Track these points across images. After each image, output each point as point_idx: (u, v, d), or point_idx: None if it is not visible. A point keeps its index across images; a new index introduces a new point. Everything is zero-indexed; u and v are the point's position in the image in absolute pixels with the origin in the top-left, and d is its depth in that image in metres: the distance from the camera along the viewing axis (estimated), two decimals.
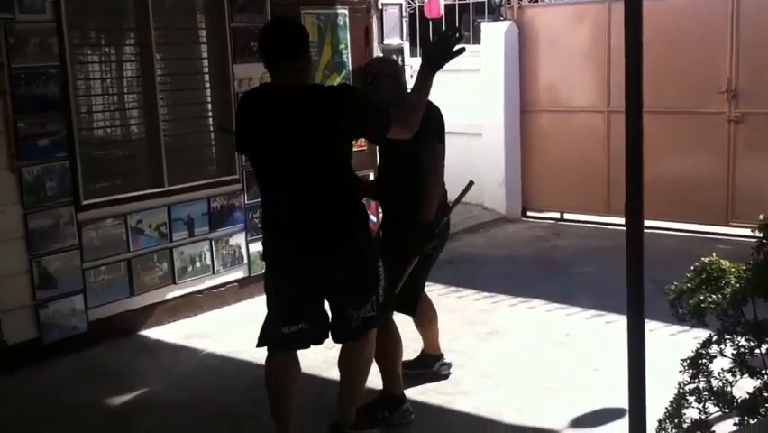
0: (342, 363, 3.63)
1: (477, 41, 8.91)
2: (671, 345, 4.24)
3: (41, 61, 4.88)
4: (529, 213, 8.36)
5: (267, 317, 3.52)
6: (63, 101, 5.00)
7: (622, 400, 3.81)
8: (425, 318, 4.37)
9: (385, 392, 3.96)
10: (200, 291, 5.72)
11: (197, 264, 5.69)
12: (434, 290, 5.88)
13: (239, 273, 5.91)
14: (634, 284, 2.43)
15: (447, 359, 4.46)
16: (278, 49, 3.31)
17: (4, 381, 4.53)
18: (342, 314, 3.48)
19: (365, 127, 3.45)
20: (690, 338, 3.27)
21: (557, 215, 8.22)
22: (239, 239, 5.90)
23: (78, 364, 4.82)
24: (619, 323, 5.01)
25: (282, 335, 3.43)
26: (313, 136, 3.27)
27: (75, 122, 5.10)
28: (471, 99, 8.33)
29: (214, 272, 5.80)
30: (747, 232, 6.89)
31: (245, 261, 5.94)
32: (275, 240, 3.48)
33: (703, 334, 2.83)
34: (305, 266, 3.41)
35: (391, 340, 3.92)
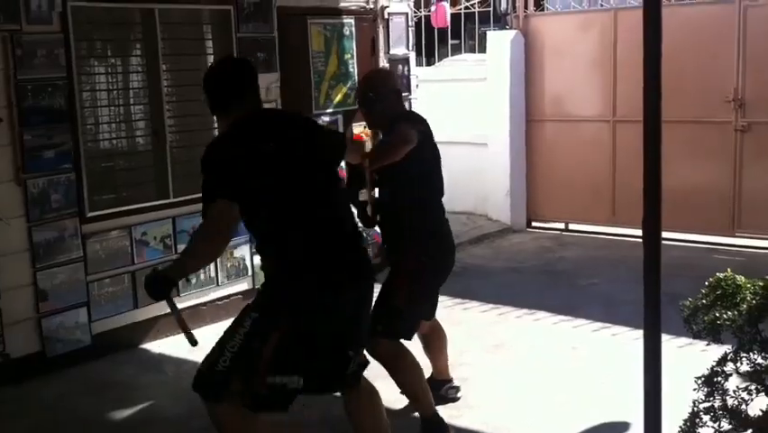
0: (360, 416, 3.34)
1: (482, 49, 8.90)
2: (680, 357, 4.23)
3: (47, 73, 4.90)
4: (534, 223, 8.34)
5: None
6: (69, 113, 5.02)
7: (629, 413, 3.84)
8: (436, 345, 4.29)
9: (425, 420, 3.85)
10: (204, 304, 5.70)
11: (202, 276, 5.67)
12: (439, 302, 5.88)
13: (243, 285, 5.89)
14: (651, 304, 2.40)
15: (455, 381, 4.40)
16: (254, 82, 3.20)
17: (7, 394, 4.53)
18: (345, 355, 3.17)
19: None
20: (698, 351, 3.24)
21: (562, 225, 8.20)
22: (243, 251, 5.88)
23: (83, 378, 4.82)
24: (626, 335, 5.01)
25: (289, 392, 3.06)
26: (320, 151, 3.19)
27: (81, 133, 5.11)
28: (477, 109, 8.31)
29: (218, 284, 5.78)
30: (753, 243, 6.97)
31: (249, 272, 5.92)
32: (320, 270, 3.05)
33: (712, 347, 2.80)
34: (357, 296, 3.14)
35: (408, 367, 3.80)
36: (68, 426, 4.23)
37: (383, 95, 3.88)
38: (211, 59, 5.91)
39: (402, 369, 3.80)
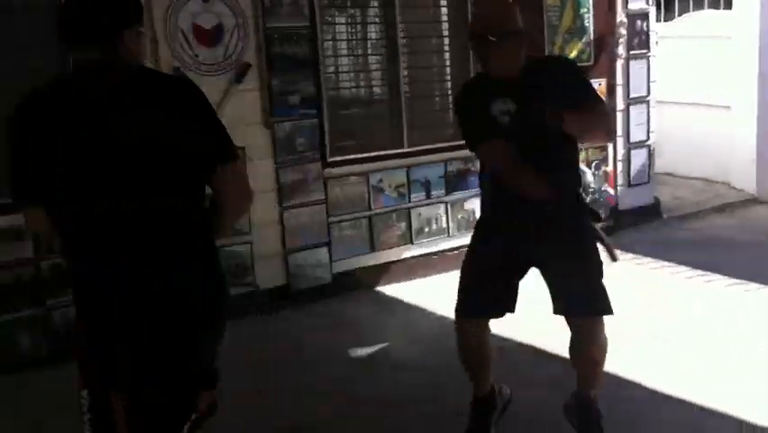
0: None
1: (728, 5, 8.21)
2: None
3: (292, 22, 5.04)
4: None
5: None
6: (313, 61, 5.14)
7: None
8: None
9: (589, 402, 3.26)
10: (435, 253, 5.71)
11: (433, 226, 5.70)
12: (679, 273, 5.51)
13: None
14: None
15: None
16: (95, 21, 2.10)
17: (255, 322, 4.74)
18: None
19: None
20: None
21: None
22: (474, 204, 5.81)
23: (322, 313, 4.98)
24: None
25: None
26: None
27: (323, 81, 5.23)
28: (719, 69, 7.67)
29: (449, 235, 5.76)
30: None
31: None
32: None
33: None
34: None
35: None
36: (309, 354, 4.36)
37: (508, 37, 2.89)
38: (444, 11, 5.86)
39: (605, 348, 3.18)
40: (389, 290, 5.42)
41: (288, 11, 5.03)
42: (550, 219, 2.98)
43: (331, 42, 5.47)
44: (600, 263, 3.09)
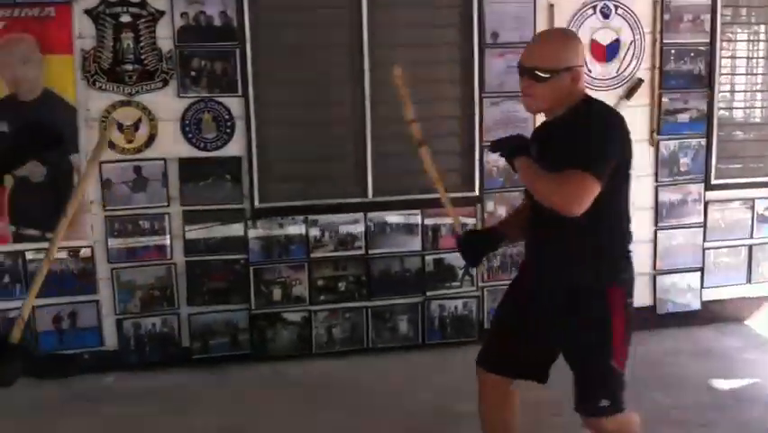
0: None
1: None
2: None
3: (691, 38, 4.99)
4: None
5: None
6: (708, 79, 5.05)
7: None
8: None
9: None
10: None
11: None
12: None
13: None
14: None
15: None
16: None
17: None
18: None
19: None
20: None
21: None
22: None
23: (687, 339, 4.92)
24: None
25: None
26: None
27: (716, 100, 5.11)
28: None
29: None
30: None
31: None
32: None
33: None
34: None
35: None
36: (668, 380, 4.33)
37: (561, 75, 2.57)
38: None
39: None
40: (763, 326, 5.16)
41: (687, 27, 5.00)
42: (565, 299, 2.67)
43: (729, 60, 5.29)
44: (615, 346, 2.67)
